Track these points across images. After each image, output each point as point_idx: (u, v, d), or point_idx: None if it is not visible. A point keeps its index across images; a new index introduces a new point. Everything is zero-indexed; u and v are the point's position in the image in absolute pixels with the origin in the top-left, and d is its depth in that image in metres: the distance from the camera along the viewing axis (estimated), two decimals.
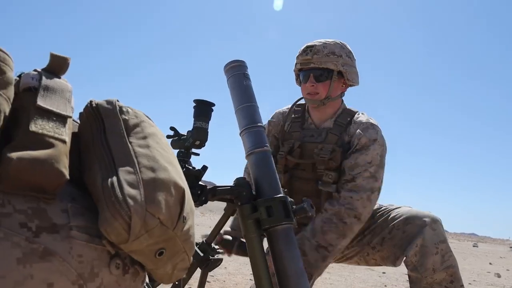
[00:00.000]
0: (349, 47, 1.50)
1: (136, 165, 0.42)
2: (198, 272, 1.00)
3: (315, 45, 1.45)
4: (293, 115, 1.58)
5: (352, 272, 3.96)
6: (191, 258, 0.48)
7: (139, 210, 0.39)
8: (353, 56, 1.50)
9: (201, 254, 0.95)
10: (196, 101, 0.90)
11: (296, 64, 1.52)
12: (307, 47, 1.47)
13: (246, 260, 3.85)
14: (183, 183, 0.45)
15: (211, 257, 0.96)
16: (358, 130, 1.41)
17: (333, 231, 1.32)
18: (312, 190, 1.44)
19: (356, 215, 1.33)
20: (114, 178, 0.40)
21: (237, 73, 0.97)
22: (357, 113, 1.49)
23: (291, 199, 0.83)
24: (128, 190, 0.40)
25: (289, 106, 1.59)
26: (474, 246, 13.67)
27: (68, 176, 0.39)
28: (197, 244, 0.95)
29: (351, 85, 1.53)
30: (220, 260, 0.99)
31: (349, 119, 1.47)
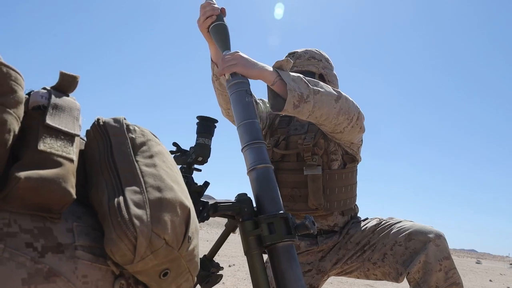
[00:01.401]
0: (326, 55, 1.62)
1: (143, 184, 0.42)
2: None
3: (297, 51, 1.58)
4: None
5: None
6: (195, 278, 0.47)
7: (145, 231, 0.39)
8: (331, 62, 1.61)
9: (202, 270, 0.94)
10: (199, 117, 0.91)
11: None
12: (290, 54, 1.60)
13: (243, 276, 3.79)
14: (189, 203, 0.45)
15: (211, 273, 0.95)
16: None
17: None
18: (298, 181, 1.47)
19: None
20: (121, 198, 0.40)
21: (239, 90, 0.98)
22: None
23: (293, 216, 0.83)
24: (135, 210, 0.40)
25: None
26: (477, 263, 13.47)
27: (75, 196, 0.39)
28: None
29: None
30: (220, 276, 0.98)
31: None
